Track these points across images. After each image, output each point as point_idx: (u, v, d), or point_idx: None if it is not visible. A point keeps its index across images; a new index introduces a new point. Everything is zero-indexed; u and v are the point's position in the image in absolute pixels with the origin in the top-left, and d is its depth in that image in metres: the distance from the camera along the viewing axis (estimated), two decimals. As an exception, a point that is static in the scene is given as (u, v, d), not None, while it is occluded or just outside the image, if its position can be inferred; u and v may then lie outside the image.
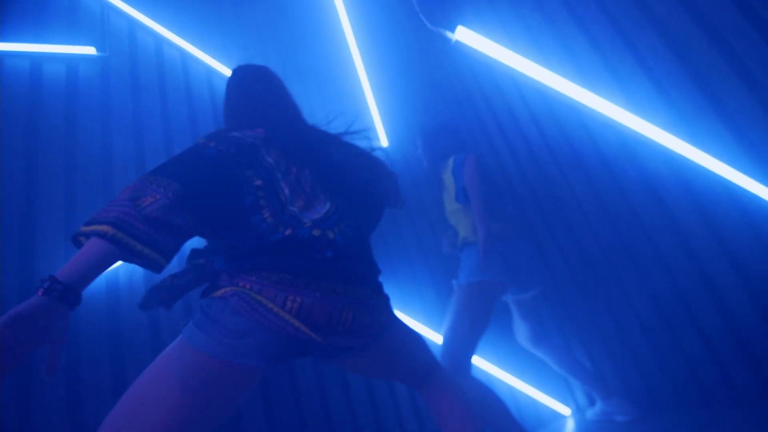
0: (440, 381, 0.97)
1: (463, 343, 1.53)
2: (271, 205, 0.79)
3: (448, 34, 1.71)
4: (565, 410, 1.96)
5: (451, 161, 1.72)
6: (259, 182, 0.81)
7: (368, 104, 2.50)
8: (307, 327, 0.70)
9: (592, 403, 1.88)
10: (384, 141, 2.49)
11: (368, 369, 0.94)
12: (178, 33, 2.15)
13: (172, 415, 0.66)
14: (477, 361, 1.91)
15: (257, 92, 1.01)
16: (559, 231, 1.92)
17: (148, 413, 0.66)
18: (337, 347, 0.79)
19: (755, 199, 1.30)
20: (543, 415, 1.95)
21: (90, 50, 1.83)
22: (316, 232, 0.77)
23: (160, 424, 0.65)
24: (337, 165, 0.94)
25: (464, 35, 1.60)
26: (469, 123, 2.35)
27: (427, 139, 1.89)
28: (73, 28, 1.88)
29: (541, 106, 1.86)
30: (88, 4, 1.99)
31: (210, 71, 2.16)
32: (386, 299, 0.90)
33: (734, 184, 1.33)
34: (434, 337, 1.92)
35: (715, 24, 1.36)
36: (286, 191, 0.82)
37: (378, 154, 1.04)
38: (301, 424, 1.57)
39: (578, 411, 1.94)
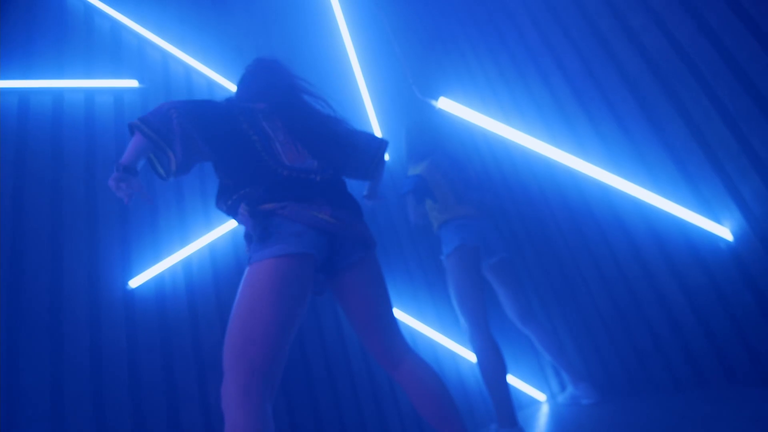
0: (409, 364, 1.14)
1: (468, 305, 1.75)
2: (272, 158, 1.11)
3: (433, 102, 1.99)
4: (541, 396, 2.25)
5: (411, 171, 2.00)
6: (255, 137, 1.12)
7: (367, 112, 2.75)
8: (335, 220, 1.06)
9: (563, 388, 2.17)
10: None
11: (353, 299, 1.15)
12: (204, 61, 2.44)
13: (274, 313, 0.94)
14: (464, 351, 2.20)
15: (263, 75, 1.32)
16: (539, 246, 2.21)
17: (257, 317, 0.94)
18: (349, 241, 1.11)
19: (691, 226, 1.57)
20: (522, 400, 2.24)
21: (133, 83, 2.12)
22: (302, 175, 1.12)
23: (273, 319, 0.94)
24: (320, 131, 1.23)
25: (445, 104, 1.94)
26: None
27: (408, 136, 2.14)
28: (117, 62, 2.18)
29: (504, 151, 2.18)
30: (128, 39, 2.28)
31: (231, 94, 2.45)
32: (361, 216, 1.19)
33: (673, 213, 1.60)
34: (427, 331, 2.21)
35: (671, 82, 1.62)
36: (279, 148, 1.13)
37: (362, 130, 1.37)
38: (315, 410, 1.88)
39: (552, 397, 2.23)
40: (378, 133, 2.66)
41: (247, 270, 1.01)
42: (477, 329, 1.71)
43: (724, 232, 1.50)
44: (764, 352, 1.44)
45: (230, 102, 1.21)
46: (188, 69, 2.39)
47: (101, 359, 1.58)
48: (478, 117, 2.06)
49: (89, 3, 2.22)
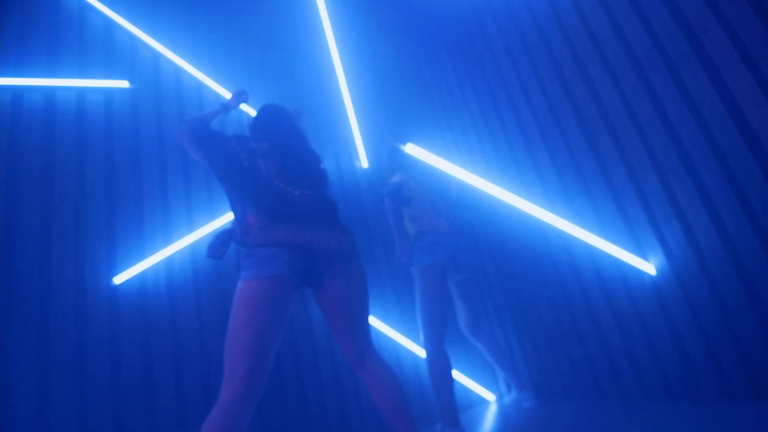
0: (374, 366, 1.34)
1: (429, 319, 1.94)
2: (266, 184, 1.32)
3: (401, 146, 2.17)
4: (490, 396, 2.49)
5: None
6: (251, 168, 1.33)
7: (352, 131, 2.91)
8: (307, 239, 1.25)
9: (509, 390, 2.42)
10: (365, 163, 2.89)
11: (333, 308, 1.34)
12: (194, 63, 2.51)
13: (254, 325, 1.13)
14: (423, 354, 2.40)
15: (268, 119, 1.52)
16: (502, 271, 2.45)
17: (241, 328, 1.14)
18: (321, 256, 1.29)
19: (624, 260, 1.81)
20: (473, 399, 2.48)
21: (124, 83, 2.19)
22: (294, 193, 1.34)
23: (250, 332, 1.13)
24: (305, 165, 1.45)
25: (411, 149, 2.19)
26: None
27: (388, 154, 2.36)
28: (109, 60, 2.24)
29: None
30: (120, 37, 2.33)
31: (220, 98, 2.54)
32: (344, 231, 1.37)
33: (602, 250, 1.84)
34: (391, 333, 2.40)
35: (617, 133, 1.83)
36: (271, 177, 1.33)
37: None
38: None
39: (500, 398, 2.48)
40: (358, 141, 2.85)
41: (239, 286, 1.20)
42: (432, 341, 1.90)
43: (649, 267, 1.74)
44: (672, 369, 1.69)
45: (238, 138, 1.42)
46: (178, 70, 2.46)
47: (86, 350, 1.70)
48: (441, 162, 2.39)
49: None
